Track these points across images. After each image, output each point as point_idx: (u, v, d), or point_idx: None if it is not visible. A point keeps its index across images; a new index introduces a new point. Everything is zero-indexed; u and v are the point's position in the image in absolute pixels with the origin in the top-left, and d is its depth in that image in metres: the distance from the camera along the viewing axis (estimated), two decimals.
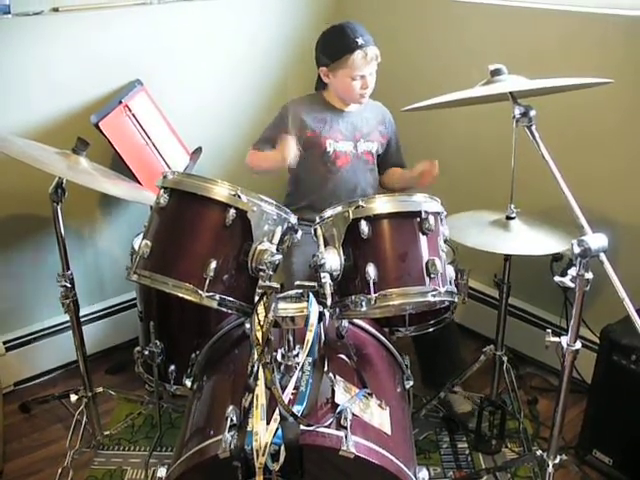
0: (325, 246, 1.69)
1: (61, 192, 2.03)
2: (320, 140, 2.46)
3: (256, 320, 1.54)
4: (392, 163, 2.66)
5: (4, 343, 2.68)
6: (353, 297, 1.65)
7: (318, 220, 1.76)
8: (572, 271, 1.56)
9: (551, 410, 1.84)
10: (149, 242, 1.67)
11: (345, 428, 1.44)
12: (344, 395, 1.57)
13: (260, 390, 1.46)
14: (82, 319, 2.27)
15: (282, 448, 1.40)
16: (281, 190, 2.68)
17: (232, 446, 1.41)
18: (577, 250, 1.50)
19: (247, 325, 1.73)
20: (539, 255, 2.06)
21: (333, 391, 1.56)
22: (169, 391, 2.32)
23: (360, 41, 2.33)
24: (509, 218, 2.12)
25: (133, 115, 2.54)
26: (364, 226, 1.63)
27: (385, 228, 1.67)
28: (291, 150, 2.24)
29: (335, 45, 2.39)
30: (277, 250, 1.65)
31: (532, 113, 1.66)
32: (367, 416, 1.55)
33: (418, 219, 1.67)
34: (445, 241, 1.76)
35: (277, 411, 1.43)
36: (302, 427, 1.43)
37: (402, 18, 3.07)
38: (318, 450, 1.43)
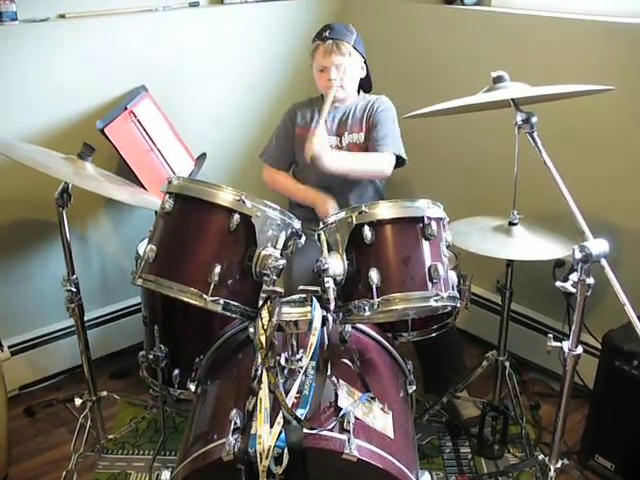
0: (329, 251, 1.70)
1: (67, 197, 2.05)
2: (307, 135, 2.47)
3: (260, 324, 1.54)
4: (373, 145, 2.50)
5: (9, 347, 2.69)
6: (356, 302, 1.65)
7: (322, 226, 1.77)
8: (574, 276, 1.57)
9: (553, 415, 1.84)
10: (154, 247, 1.68)
11: (348, 431, 1.45)
12: (347, 399, 1.57)
13: (264, 394, 1.47)
14: (87, 323, 2.28)
15: (285, 451, 1.41)
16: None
17: (235, 449, 1.41)
18: (579, 255, 1.51)
19: (251, 329, 1.74)
20: (541, 261, 2.07)
21: (336, 395, 1.57)
22: (173, 395, 2.33)
23: (324, 34, 2.45)
24: (512, 224, 2.12)
25: (138, 121, 2.56)
26: (367, 231, 1.64)
27: (388, 233, 1.67)
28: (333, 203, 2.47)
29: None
30: (281, 255, 1.66)
31: (534, 120, 1.68)
32: (370, 420, 1.56)
33: (421, 225, 1.68)
34: (448, 247, 1.77)
35: (280, 414, 1.44)
36: (305, 430, 1.43)
37: (405, 26, 3.09)
38: (321, 453, 1.44)
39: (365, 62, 2.54)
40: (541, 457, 1.88)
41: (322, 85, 2.51)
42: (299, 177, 2.63)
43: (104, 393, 2.37)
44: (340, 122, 2.56)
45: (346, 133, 2.54)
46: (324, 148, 2.34)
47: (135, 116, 2.55)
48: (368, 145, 2.52)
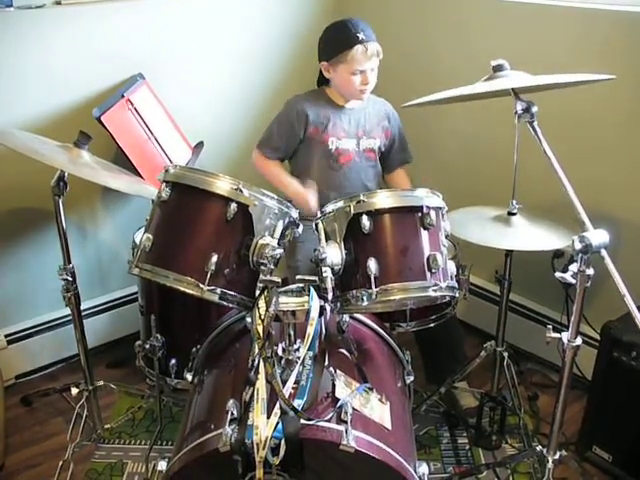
0: (326, 240, 1.69)
1: (63, 185, 2.03)
2: (323, 137, 2.45)
3: (257, 314, 1.54)
4: (398, 160, 2.64)
5: (6, 336, 2.69)
6: (354, 292, 1.64)
7: (319, 215, 1.75)
8: (573, 267, 1.56)
9: (551, 406, 1.84)
10: (151, 236, 1.67)
11: (345, 422, 1.45)
12: (344, 389, 1.57)
13: (261, 384, 1.46)
14: (83, 313, 2.27)
15: (282, 442, 1.40)
16: None
17: (232, 440, 1.41)
18: (578, 246, 1.50)
19: (248, 319, 1.73)
20: (540, 251, 2.06)
21: (334, 385, 1.57)
22: (170, 385, 2.33)
23: (361, 36, 2.31)
24: (511, 214, 2.11)
25: (135, 109, 2.54)
26: (365, 221, 1.63)
27: (386, 223, 1.66)
28: (313, 202, 2.37)
29: (336, 40, 2.38)
30: (278, 244, 1.65)
31: (534, 109, 1.66)
32: (367, 411, 1.55)
33: (419, 214, 1.67)
34: (446, 236, 1.76)
35: (277, 405, 1.44)
36: (302, 421, 1.43)
37: (404, 14, 3.06)
38: (318, 444, 1.43)
39: None
40: (539, 448, 1.89)
41: (353, 89, 2.40)
42: (302, 177, 2.52)
43: (101, 382, 2.37)
44: (357, 125, 2.50)
45: (364, 137, 2.51)
46: None
47: (132, 104, 2.53)
48: (390, 154, 2.62)
